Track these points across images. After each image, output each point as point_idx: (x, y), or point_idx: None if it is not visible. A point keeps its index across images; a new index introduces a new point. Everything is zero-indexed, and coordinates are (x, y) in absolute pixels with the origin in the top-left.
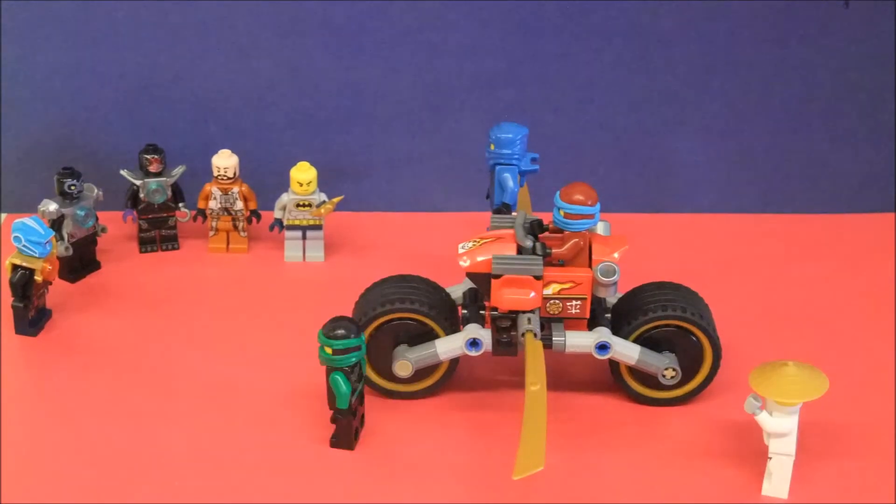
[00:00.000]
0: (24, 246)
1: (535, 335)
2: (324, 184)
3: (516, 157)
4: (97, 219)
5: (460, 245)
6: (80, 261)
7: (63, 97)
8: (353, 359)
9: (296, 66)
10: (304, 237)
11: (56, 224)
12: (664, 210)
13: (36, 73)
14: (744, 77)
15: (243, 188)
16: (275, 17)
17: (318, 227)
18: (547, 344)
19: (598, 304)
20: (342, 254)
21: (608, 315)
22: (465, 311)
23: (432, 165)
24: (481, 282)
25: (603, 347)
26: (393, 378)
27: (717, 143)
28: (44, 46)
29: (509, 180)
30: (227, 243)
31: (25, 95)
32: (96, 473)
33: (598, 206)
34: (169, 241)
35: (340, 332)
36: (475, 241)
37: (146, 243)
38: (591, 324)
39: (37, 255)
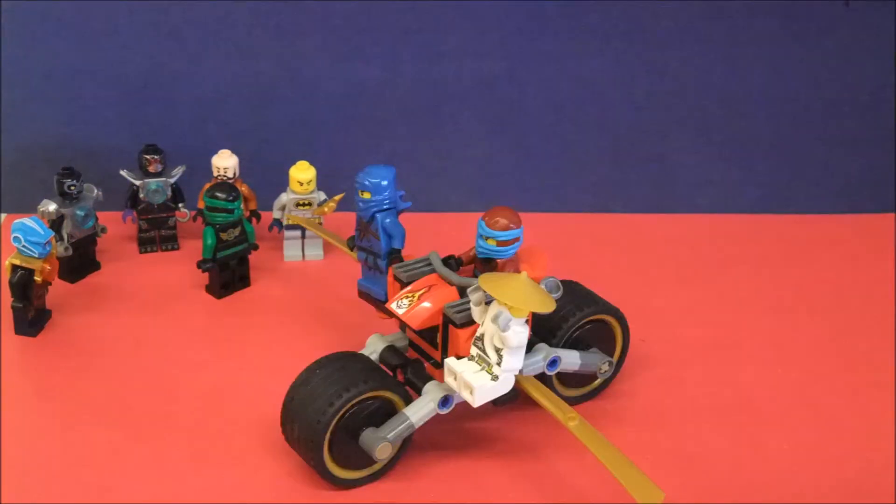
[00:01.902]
0: (23, 246)
1: (520, 371)
2: (324, 184)
3: (390, 199)
4: (97, 219)
5: (394, 305)
6: (80, 261)
7: (63, 97)
8: (220, 218)
9: (295, 66)
10: (303, 236)
11: (56, 224)
12: (663, 210)
13: (35, 73)
14: (743, 77)
15: (243, 188)
16: (274, 17)
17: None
18: None
19: None
20: (342, 252)
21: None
22: (409, 372)
23: (431, 166)
24: (431, 336)
25: (553, 363)
26: (358, 465)
27: (716, 143)
28: (43, 46)
29: (396, 226)
30: None
31: (25, 95)
32: (96, 473)
33: (521, 226)
34: (169, 242)
35: (219, 194)
36: (408, 297)
37: (146, 243)
38: None
39: (36, 256)
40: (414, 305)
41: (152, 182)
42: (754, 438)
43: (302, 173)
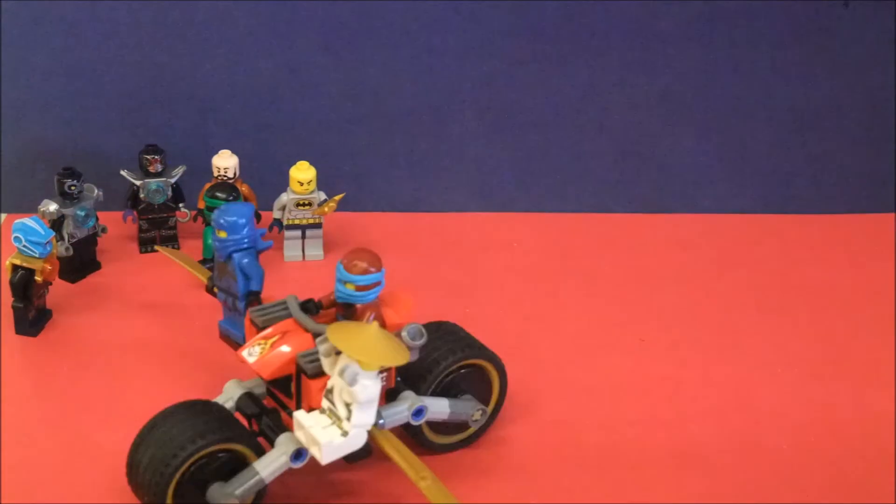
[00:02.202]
0: (24, 246)
1: (377, 426)
2: (323, 184)
3: (248, 238)
4: (97, 219)
5: (245, 352)
6: (81, 261)
7: (63, 97)
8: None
9: (296, 66)
10: (303, 236)
11: (56, 224)
12: (665, 210)
13: (36, 72)
14: (744, 77)
15: (244, 188)
16: (275, 17)
17: (317, 226)
18: None
19: None
20: (342, 253)
21: (398, 378)
22: (263, 422)
23: (432, 166)
24: (286, 386)
25: (419, 412)
26: None
27: (717, 143)
28: (44, 46)
29: (254, 266)
30: None
31: (25, 95)
32: (96, 474)
33: (383, 269)
34: (169, 242)
35: (220, 194)
36: (260, 345)
37: (146, 243)
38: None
39: (37, 256)
40: (266, 353)
41: (153, 182)
42: (754, 438)
43: (302, 173)
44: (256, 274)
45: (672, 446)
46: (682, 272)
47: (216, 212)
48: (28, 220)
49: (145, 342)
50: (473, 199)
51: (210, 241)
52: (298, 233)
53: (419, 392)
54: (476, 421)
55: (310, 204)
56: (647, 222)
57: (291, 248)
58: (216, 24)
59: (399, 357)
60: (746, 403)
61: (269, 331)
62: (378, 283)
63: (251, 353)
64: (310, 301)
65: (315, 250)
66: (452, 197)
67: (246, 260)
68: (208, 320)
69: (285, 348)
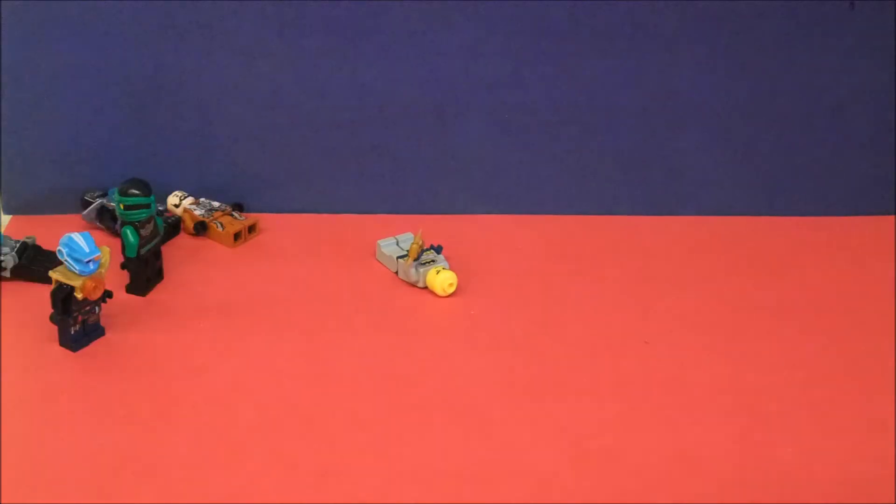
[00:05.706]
0: (65, 260)
1: None
2: (329, 185)
3: None
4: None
5: None
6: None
7: (68, 99)
8: (143, 215)
9: (300, 68)
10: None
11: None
12: (669, 212)
13: (40, 74)
14: (749, 79)
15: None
16: (280, 19)
17: None
18: None
19: None
20: (348, 255)
21: None
22: None
23: (437, 168)
24: None
25: None
26: None
27: (722, 145)
28: (48, 47)
29: None
30: (243, 237)
31: (30, 97)
32: (97, 475)
33: None
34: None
35: (133, 191)
36: None
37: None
38: None
39: (76, 273)
40: None
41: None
42: (757, 440)
43: None
44: None
45: (675, 448)
46: (686, 274)
47: None
48: (76, 235)
49: (151, 345)
50: (479, 201)
51: (132, 239)
52: None
53: None
54: None
55: None
56: (652, 224)
57: None
58: (221, 25)
59: None
60: (749, 405)
61: None
62: None
63: None
64: None
65: None
66: (458, 199)
67: None
68: (215, 322)
69: None
